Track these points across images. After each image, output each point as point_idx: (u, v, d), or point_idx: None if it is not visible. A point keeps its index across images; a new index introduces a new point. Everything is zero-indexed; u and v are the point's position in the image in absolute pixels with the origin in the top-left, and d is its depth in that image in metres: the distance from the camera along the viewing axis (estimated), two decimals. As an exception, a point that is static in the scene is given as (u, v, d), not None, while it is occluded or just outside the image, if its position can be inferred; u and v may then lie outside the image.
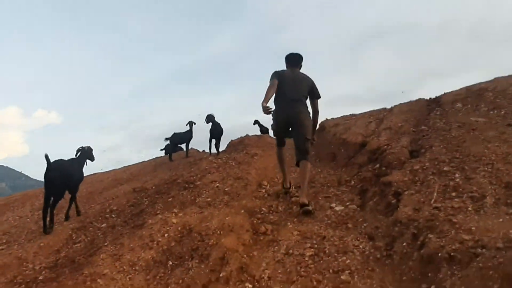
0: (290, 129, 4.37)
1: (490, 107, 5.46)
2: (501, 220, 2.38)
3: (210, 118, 9.37)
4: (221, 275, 2.88)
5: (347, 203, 4.03)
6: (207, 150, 9.62)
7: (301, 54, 4.56)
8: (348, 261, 2.71)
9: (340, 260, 2.75)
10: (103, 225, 5.17)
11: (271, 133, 8.44)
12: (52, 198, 5.36)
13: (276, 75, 4.24)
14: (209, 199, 4.88)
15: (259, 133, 10.18)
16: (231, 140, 9.67)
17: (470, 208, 2.66)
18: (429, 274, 2.19)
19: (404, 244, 2.61)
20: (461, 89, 7.24)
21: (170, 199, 5.40)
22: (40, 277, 3.72)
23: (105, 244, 4.08)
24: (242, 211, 4.25)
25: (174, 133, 9.74)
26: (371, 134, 6.22)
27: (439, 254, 2.21)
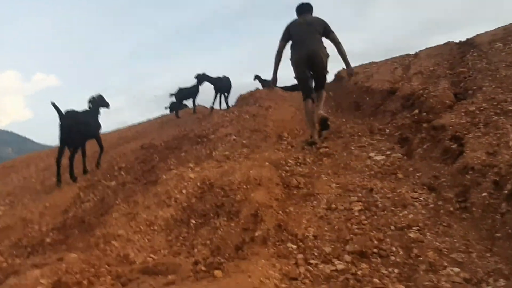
0: (311, 69, 4.32)
1: (537, 44, 4.78)
2: None
3: (201, 77, 8.79)
4: (256, 234, 2.42)
5: (388, 152, 3.51)
6: (216, 106, 9.07)
7: (309, 3, 4.54)
8: (412, 215, 2.23)
9: (400, 214, 2.27)
10: (112, 183, 4.72)
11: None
12: (68, 147, 5.32)
13: (285, 32, 4.38)
14: (226, 153, 4.38)
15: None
16: (240, 94, 9.03)
17: None
18: (533, 230, 1.70)
19: (485, 194, 2.11)
20: (496, 29, 6.48)
21: (183, 153, 4.90)
22: (48, 240, 3.31)
23: (117, 202, 3.64)
24: (267, 163, 3.75)
25: (180, 88, 9.05)
26: (399, 80, 5.58)
27: (546, 205, 1.71)
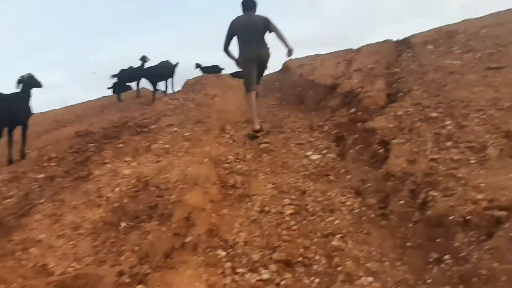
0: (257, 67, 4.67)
1: (464, 49, 5.13)
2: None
3: (144, 59, 8.34)
4: (187, 240, 2.37)
5: (324, 151, 3.61)
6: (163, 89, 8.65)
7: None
8: (337, 221, 2.32)
9: (327, 220, 2.35)
10: (40, 176, 4.34)
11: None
12: None
13: (229, 29, 4.64)
14: (166, 146, 4.22)
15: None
16: (187, 80, 8.72)
17: (472, 161, 2.32)
18: (438, 240, 1.85)
19: (402, 202, 2.25)
20: (429, 30, 6.89)
21: (121, 145, 4.63)
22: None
23: (41, 201, 3.34)
24: (206, 159, 3.68)
25: (122, 70, 8.48)
26: (341, 75, 5.73)
27: (450, 217, 1.85)
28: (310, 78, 6.03)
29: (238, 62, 4.73)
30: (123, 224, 2.76)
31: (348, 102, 4.66)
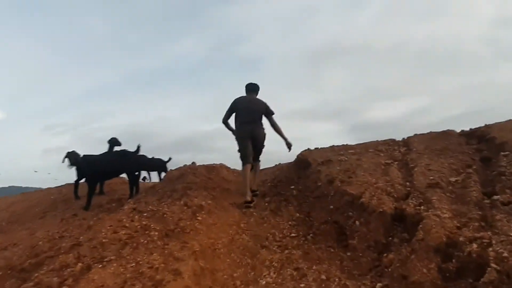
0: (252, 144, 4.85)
1: None
2: None
3: (113, 142, 6.29)
4: None
5: None
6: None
7: (258, 84, 5.25)
8: None
9: None
10: None
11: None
12: None
13: (232, 105, 4.99)
14: None
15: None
16: (170, 170, 6.40)
17: None
18: None
19: None
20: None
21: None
22: None
23: None
24: None
25: (84, 156, 6.15)
26: (406, 194, 3.37)
27: None
28: (349, 191, 3.67)
29: (234, 133, 4.94)
30: None
31: (449, 259, 2.22)
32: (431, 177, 3.49)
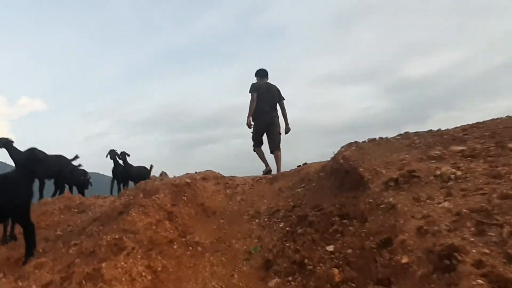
0: (267, 132, 5.57)
1: None
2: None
3: (113, 154, 7.65)
4: None
5: None
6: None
7: (267, 69, 5.80)
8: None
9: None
10: None
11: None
12: None
13: (254, 88, 5.51)
14: None
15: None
16: (115, 199, 4.25)
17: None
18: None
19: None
20: None
21: None
22: None
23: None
24: None
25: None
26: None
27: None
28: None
29: (250, 120, 5.50)
30: None
31: None
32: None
